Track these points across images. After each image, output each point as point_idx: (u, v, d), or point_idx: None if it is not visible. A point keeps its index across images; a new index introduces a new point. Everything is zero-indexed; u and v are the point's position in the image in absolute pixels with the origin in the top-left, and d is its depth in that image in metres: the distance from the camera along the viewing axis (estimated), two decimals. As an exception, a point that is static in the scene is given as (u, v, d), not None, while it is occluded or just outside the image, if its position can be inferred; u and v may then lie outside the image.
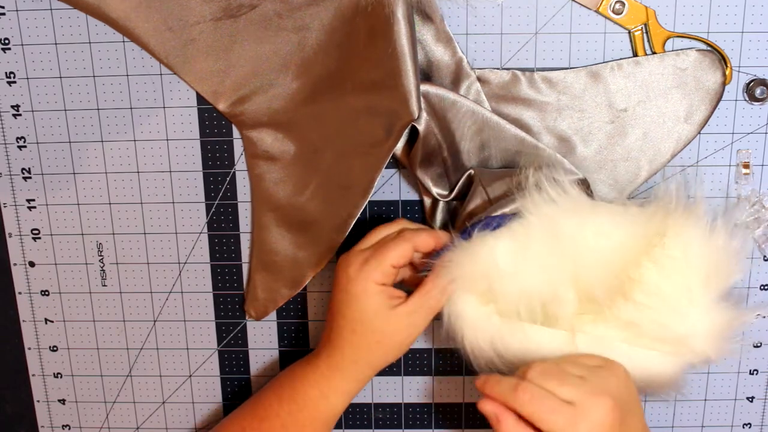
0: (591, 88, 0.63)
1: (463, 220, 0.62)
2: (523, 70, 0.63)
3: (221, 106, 0.65)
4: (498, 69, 0.64)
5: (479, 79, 0.63)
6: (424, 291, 0.58)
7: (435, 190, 0.64)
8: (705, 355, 0.60)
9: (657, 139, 0.64)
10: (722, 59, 0.62)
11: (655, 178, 0.65)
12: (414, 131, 0.61)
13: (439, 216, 0.66)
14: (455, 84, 0.63)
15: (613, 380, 0.55)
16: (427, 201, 0.66)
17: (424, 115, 0.60)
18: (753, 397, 0.70)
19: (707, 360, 0.60)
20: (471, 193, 0.62)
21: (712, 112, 0.63)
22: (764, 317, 0.68)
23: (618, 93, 0.63)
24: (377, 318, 0.58)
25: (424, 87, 0.60)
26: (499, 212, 0.58)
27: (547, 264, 0.57)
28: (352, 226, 0.65)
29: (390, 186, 0.67)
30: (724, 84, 0.62)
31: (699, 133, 0.64)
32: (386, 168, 0.66)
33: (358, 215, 0.64)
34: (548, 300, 0.58)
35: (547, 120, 0.64)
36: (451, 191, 0.64)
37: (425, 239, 0.59)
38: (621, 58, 0.63)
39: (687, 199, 0.59)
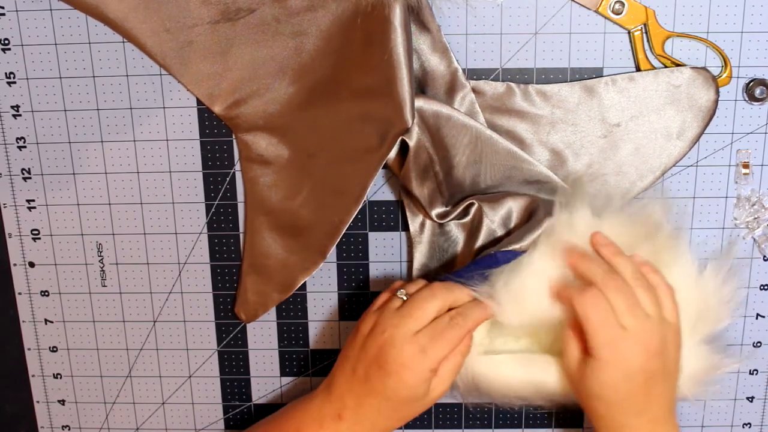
0: (585, 102, 0.63)
1: (472, 254, 0.63)
2: (518, 82, 0.63)
3: (217, 109, 0.65)
4: (493, 81, 0.64)
5: (474, 90, 0.63)
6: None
7: (431, 211, 0.63)
8: (681, 394, 0.61)
9: (649, 154, 0.64)
10: (716, 76, 0.62)
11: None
12: (405, 146, 0.61)
13: (426, 237, 0.66)
14: (450, 94, 0.63)
15: (671, 337, 0.56)
16: (416, 221, 0.66)
17: (416, 129, 0.60)
18: (753, 397, 0.70)
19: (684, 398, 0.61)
20: (477, 226, 0.63)
21: (704, 130, 0.63)
22: (764, 317, 0.68)
23: (611, 108, 0.63)
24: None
25: (418, 102, 0.60)
26: (510, 248, 0.59)
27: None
28: (343, 232, 0.65)
29: (390, 186, 0.67)
30: (717, 102, 0.62)
31: (690, 149, 0.64)
32: (385, 170, 0.66)
33: (350, 221, 0.65)
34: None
35: (540, 133, 0.64)
36: (445, 210, 0.64)
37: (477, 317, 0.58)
38: (616, 74, 0.63)
39: (677, 231, 0.61)
